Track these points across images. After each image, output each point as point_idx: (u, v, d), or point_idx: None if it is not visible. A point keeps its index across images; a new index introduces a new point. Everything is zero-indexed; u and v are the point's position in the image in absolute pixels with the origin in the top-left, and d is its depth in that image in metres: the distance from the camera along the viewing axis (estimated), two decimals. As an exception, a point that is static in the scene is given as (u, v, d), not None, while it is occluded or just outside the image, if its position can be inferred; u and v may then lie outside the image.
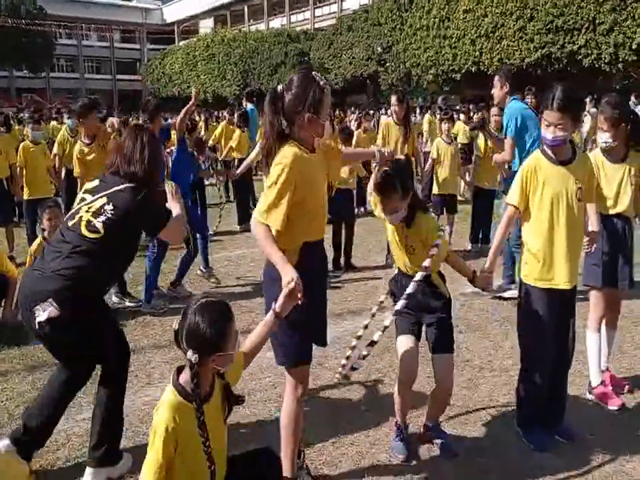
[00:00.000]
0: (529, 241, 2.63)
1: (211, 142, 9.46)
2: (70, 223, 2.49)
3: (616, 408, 2.99)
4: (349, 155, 2.59)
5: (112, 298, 4.77)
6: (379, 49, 26.17)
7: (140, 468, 1.79)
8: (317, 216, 2.21)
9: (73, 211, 2.57)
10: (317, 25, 38.82)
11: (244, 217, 7.57)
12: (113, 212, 2.44)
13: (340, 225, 5.83)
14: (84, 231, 2.42)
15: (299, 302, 1.98)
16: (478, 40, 20.92)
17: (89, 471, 2.52)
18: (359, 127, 9.34)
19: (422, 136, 10.03)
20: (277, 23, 42.01)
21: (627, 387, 3.21)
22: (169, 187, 2.82)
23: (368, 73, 27.41)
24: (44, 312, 2.29)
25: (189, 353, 1.74)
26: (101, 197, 2.50)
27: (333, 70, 29.17)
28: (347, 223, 5.82)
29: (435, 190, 6.49)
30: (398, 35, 25.01)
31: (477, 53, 21.07)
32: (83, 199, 2.57)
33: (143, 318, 4.54)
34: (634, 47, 16.99)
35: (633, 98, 13.18)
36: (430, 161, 6.57)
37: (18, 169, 6.29)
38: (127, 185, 2.53)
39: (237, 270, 5.87)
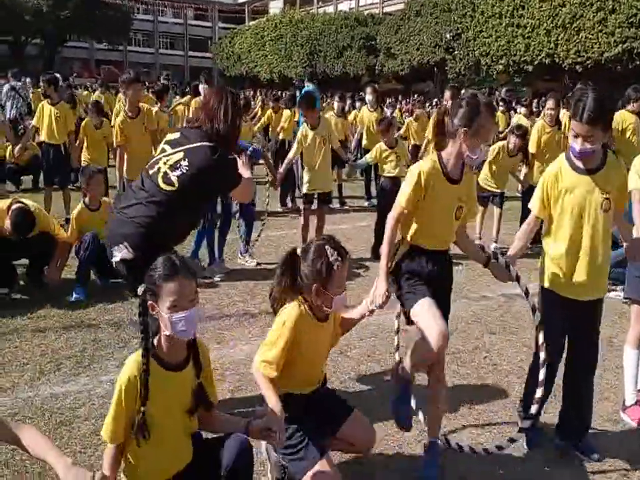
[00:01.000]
0: (550, 248, 2.60)
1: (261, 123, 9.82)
2: (150, 172, 2.60)
3: None
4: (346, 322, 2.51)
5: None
6: (447, 35, 25.53)
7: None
8: (306, 378, 2.32)
9: (153, 159, 2.67)
10: (385, 9, 38.22)
11: (284, 198, 8.04)
12: (187, 168, 2.51)
13: (385, 214, 5.86)
14: (160, 183, 2.52)
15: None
16: (554, 31, 20.01)
17: None
18: (411, 114, 9.29)
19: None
20: (345, 5, 41.69)
21: None
22: (242, 156, 2.97)
23: (435, 61, 26.81)
24: (119, 253, 2.49)
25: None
26: (179, 151, 2.57)
27: (399, 56, 28.72)
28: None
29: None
30: (468, 22, 24.27)
31: (552, 44, 20.16)
32: (163, 150, 2.65)
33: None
34: None
35: None
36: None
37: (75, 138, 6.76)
38: (205, 143, 2.58)
39: (276, 251, 6.00)
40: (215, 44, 47.59)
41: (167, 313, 1.85)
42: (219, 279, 5.01)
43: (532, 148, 6.05)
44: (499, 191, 6.16)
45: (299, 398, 2.26)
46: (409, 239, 2.51)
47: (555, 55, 20.00)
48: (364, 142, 8.42)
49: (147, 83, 11.79)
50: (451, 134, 2.39)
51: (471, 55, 24.28)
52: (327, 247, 2.16)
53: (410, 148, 9.21)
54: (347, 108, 11.26)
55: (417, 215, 2.46)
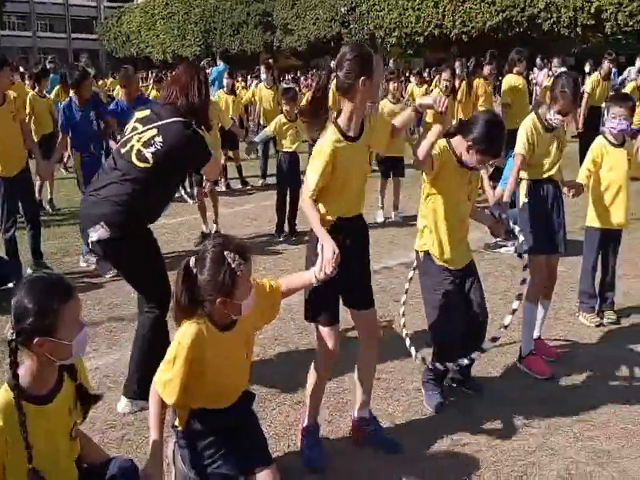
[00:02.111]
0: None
1: None
2: (122, 150, 2.61)
3: (545, 377, 3.06)
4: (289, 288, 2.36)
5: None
6: (342, 9, 25.62)
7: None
8: (218, 390, 2.05)
9: (125, 138, 2.66)
10: (280, -16, 37.53)
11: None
12: (162, 144, 2.54)
13: (284, 191, 5.77)
14: (134, 160, 2.55)
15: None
16: (441, 2, 20.69)
17: (124, 400, 2.74)
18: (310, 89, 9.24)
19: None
20: (238, -20, 40.43)
21: (556, 354, 3.29)
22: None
23: (331, 35, 26.84)
24: (95, 233, 2.53)
25: (8, 327, 1.59)
26: (152, 128, 2.59)
27: (296, 31, 28.46)
28: (291, 189, 5.76)
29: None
30: (362, -4, 24.53)
31: (440, 15, 20.87)
32: (134, 128, 2.65)
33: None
34: (592, 11, 17.11)
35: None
36: None
37: None
38: (178, 118, 2.60)
39: (175, 239, 5.76)
40: (100, 24, 44.55)
41: (67, 340, 1.62)
42: (110, 276, 4.64)
43: (429, 117, 6.20)
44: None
45: (215, 413, 2.02)
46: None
47: (443, 26, 20.76)
48: (262, 120, 8.23)
49: (21, 69, 10.75)
50: (346, 90, 2.22)
51: (365, 29, 24.57)
52: (225, 252, 1.88)
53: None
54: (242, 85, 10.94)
55: (331, 186, 2.28)
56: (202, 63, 12.59)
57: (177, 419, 2.06)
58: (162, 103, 2.73)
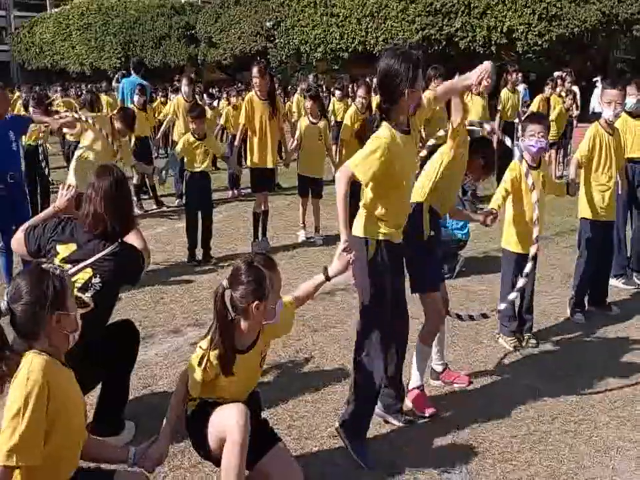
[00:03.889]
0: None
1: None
2: None
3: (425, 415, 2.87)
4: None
5: None
6: (267, 24, 25.48)
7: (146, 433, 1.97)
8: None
9: None
10: (203, -3, 36.98)
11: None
12: (100, 285, 2.47)
13: (194, 214, 5.38)
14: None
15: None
16: (364, 19, 21.01)
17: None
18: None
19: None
20: (160, -8, 39.43)
21: (468, 381, 3.18)
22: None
23: (257, 49, 26.62)
24: None
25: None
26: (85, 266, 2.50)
27: (221, 45, 28.02)
28: (204, 211, 5.36)
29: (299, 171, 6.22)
30: (286, 11, 24.48)
31: (363, 32, 21.17)
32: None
33: None
34: (504, 30, 17.93)
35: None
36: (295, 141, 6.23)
37: None
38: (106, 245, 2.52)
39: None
40: (10, 34, 41.96)
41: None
42: None
43: (344, 135, 6.04)
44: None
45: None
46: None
47: (367, 42, 21.05)
48: (176, 137, 7.74)
49: None
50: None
51: (291, 43, 24.53)
52: (43, 267, 1.86)
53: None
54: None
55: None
56: (117, 75, 11.94)
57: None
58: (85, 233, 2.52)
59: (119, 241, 2.46)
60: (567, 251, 5.48)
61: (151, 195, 7.78)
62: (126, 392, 2.63)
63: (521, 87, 13.03)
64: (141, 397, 2.99)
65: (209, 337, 2.09)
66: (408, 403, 2.89)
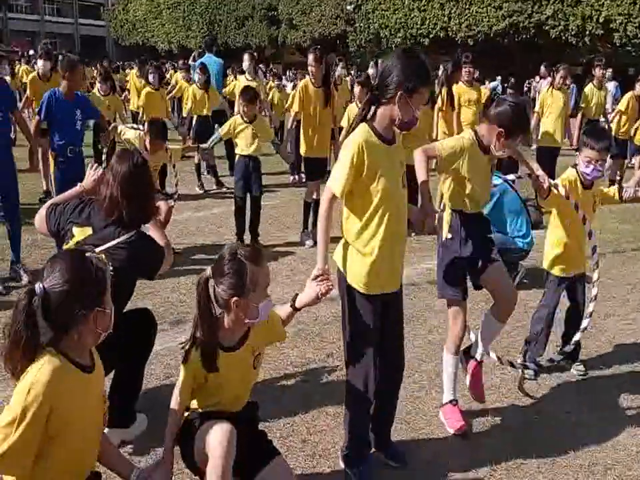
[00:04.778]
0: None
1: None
2: None
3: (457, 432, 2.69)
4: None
5: None
6: (348, 7, 25.15)
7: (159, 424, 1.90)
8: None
9: None
10: (287, -22, 36.97)
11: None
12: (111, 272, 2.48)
13: (244, 198, 5.34)
14: None
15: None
16: (447, 4, 20.21)
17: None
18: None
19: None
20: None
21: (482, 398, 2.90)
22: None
23: (337, 32, 26.39)
24: None
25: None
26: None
27: (301, 27, 28.03)
28: (252, 196, 5.32)
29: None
30: (368, -6, 24.07)
31: (446, 17, 20.38)
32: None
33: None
34: (601, 20, 16.60)
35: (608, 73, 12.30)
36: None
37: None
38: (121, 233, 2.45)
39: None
40: (107, 10, 44.04)
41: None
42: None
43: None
44: None
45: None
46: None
47: (449, 29, 20.27)
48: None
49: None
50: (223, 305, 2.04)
51: (371, 27, 24.10)
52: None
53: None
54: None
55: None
56: (193, 53, 12.17)
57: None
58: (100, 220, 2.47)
59: (136, 230, 2.36)
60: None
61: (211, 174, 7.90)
62: (139, 383, 2.57)
63: (612, 85, 12.03)
64: (160, 387, 2.97)
65: (191, 332, 1.99)
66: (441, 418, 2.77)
